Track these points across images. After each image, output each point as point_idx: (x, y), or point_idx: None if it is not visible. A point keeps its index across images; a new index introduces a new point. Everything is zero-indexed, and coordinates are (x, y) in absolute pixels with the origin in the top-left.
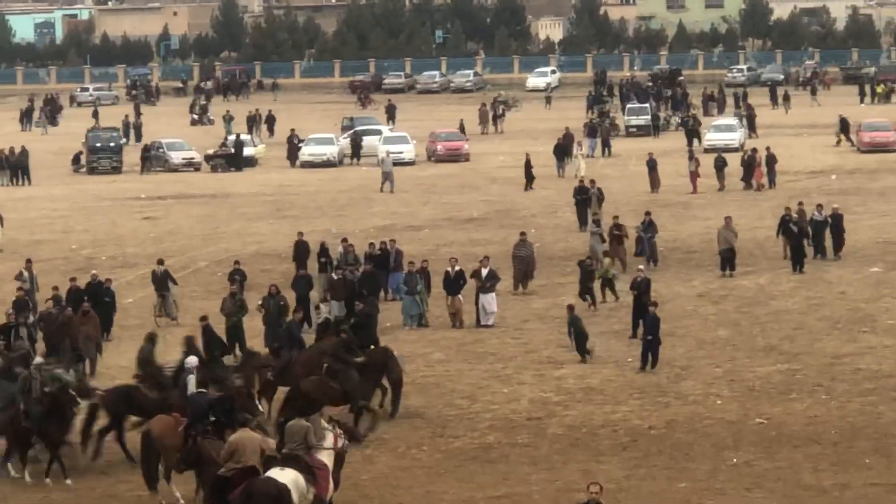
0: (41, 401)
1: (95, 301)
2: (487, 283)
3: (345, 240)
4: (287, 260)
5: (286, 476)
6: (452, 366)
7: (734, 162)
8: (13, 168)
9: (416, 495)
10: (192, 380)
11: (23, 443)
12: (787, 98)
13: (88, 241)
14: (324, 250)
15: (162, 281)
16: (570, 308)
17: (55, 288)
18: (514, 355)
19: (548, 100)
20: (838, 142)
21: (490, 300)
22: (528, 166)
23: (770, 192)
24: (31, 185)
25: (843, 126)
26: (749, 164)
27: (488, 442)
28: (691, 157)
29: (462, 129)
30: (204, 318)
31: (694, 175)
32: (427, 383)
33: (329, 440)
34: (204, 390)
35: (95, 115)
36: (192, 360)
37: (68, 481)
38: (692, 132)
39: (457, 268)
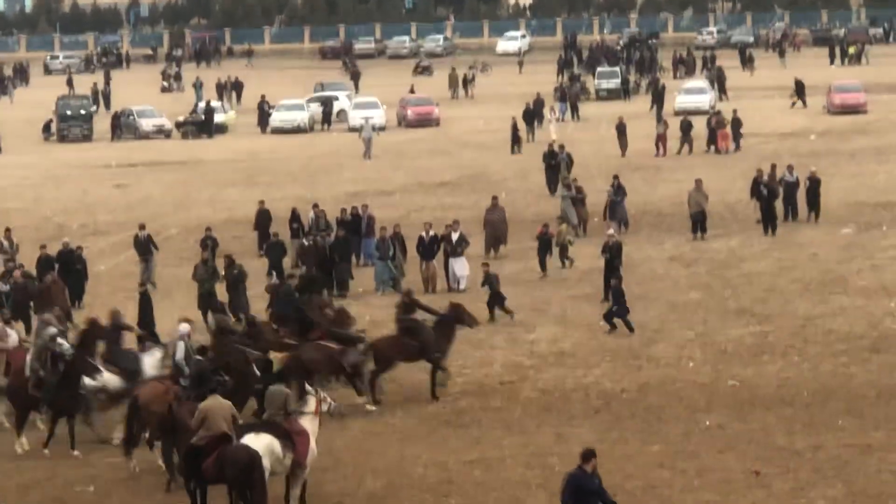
0: (53, 371)
1: (67, 269)
2: (458, 248)
3: (316, 205)
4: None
5: (260, 441)
6: None
7: (700, 124)
8: None
9: (389, 460)
10: (181, 346)
11: (26, 410)
12: (751, 59)
13: (59, 209)
14: (295, 216)
15: (145, 246)
16: (484, 266)
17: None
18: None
19: (520, 64)
20: (793, 104)
21: (461, 264)
22: (514, 129)
23: (739, 155)
24: (1, 153)
25: (799, 88)
26: (714, 128)
27: (461, 406)
28: (659, 120)
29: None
30: (142, 285)
31: (661, 138)
32: None
33: (311, 405)
34: (200, 357)
35: (70, 83)
36: (185, 328)
37: (76, 452)
38: (658, 95)
39: (431, 232)
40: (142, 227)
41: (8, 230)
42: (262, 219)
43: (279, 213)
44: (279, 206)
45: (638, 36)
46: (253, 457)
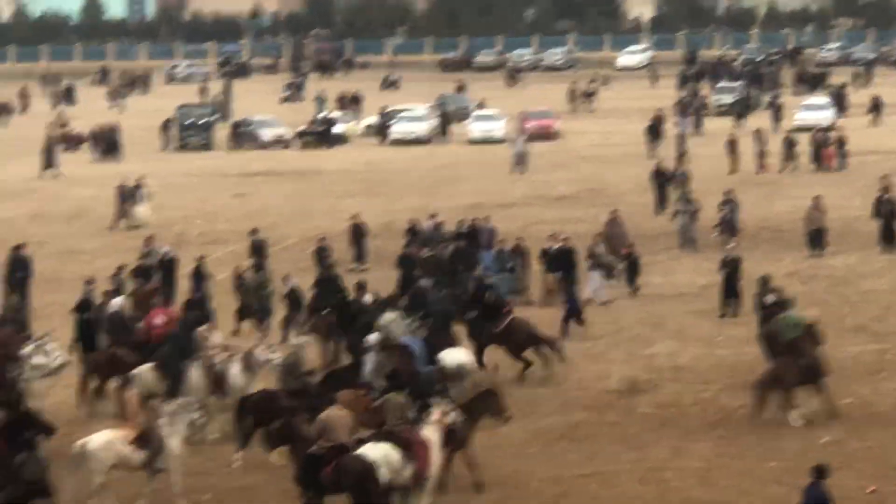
0: None
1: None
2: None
3: (433, 216)
4: (378, 237)
5: (376, 451)
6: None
7: (805, 141)
8: (104, 144)
9: (503, 473)
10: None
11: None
12: (866, 76)
13: (179, 218)
14: (413, 229)
15: (260, 250)
16: None
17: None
18: (604, 333)
19: (654, 78)
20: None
21: (595, 277)
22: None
23: (854, 172)
24: (121, 161)
25: None
26: (819, 145)
27: (577, 420)
28: (762, 136)
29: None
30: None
31: (762, 155)
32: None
33: (434, 415)
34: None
35: (203, 91)
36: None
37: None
38: (776, 111)
39: (556, 245)
40: (255, 231)
41: (150, 238)
42: (357, 232)
43: (399, 224)
44: (398, 218)
45: (782, 51)
46: (367, 466)
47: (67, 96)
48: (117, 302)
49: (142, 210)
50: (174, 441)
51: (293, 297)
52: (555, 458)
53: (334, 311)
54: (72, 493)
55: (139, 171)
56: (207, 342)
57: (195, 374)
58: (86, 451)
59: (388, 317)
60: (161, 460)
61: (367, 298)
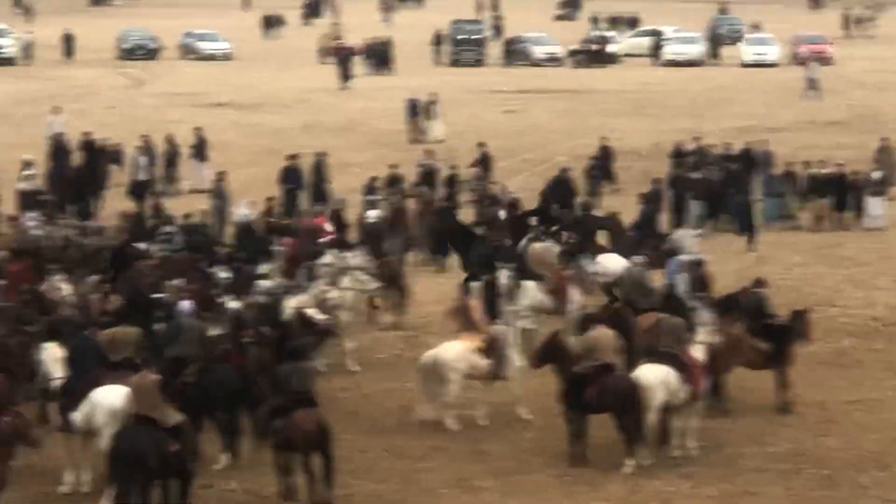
0: None
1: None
2: (876, 188)
3: (697, 138)
4: (646, 158)
5: (657, 373)
6: (810, 269)
7: None
8: (377, 57)
9: (767, 398)
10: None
11: None
12: None
13: (450, 133)
14: (678, 150)
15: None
16: None
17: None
18: (872, 260)
19: None
20: None
21: (876, 204)
22: None
23: None
24: (393, 74)
25: None
26: None
27: (843, 347)
28: None
29: None
30: None
31: None
32: (785, 286)
33: (705, 335)
34: None
35: (479, 7)
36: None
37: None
38: None
39: (825, 171)
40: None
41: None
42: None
43: (666, 146)
44: (665, 139)
45: None
46: (633, 386)
47: (314, 9)
48: (373, 214)
49: (436, 125)
50: (514, 351)
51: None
52: (820, 383)
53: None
54: (427, 401)
55: (414, 85)
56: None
57: (531, 287)
58: (440, 362)
59: (681, 232)
60: (504, 369)
61: None
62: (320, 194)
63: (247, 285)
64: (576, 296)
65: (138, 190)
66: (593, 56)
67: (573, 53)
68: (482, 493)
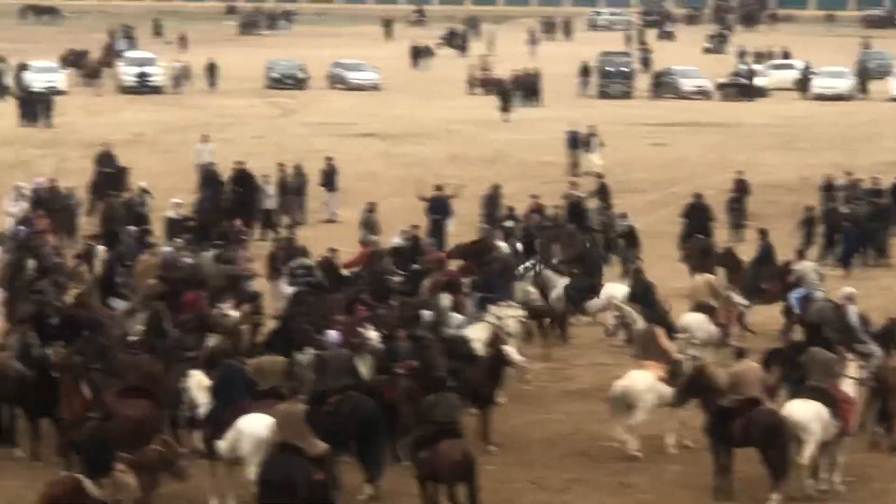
0: None
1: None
2: None
3: (849, 173)
4: (794, 192)
5: (808, 408)
6: None
7: None
8: (525, 89)
9: None
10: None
11: None
12: None
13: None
14: (828, 185)
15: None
16: None
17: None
18: None
19: None
20: None
21: None
22: None
23: None
24: (540, 106)
25: None
26: None
27: None
28: None
29: None
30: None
31: None
32: None
33: (852, 369)
34: None
35: (631, 39)
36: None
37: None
38: None
39: None
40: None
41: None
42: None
43: (814, 180)
44: (814, 173)
45: None
46: (779, 420)
47: (453, 40)
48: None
49: (595, 158)
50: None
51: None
52: None
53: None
54: (621, 432)
55: (563, 117)
56: None
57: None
58: (630, 393)
59: (805, 265)
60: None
61: None
62: (495, 222)
63: (413, 316)
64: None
65: (265, 219)
66: (742, 89)
67: (721, 86)
68: None
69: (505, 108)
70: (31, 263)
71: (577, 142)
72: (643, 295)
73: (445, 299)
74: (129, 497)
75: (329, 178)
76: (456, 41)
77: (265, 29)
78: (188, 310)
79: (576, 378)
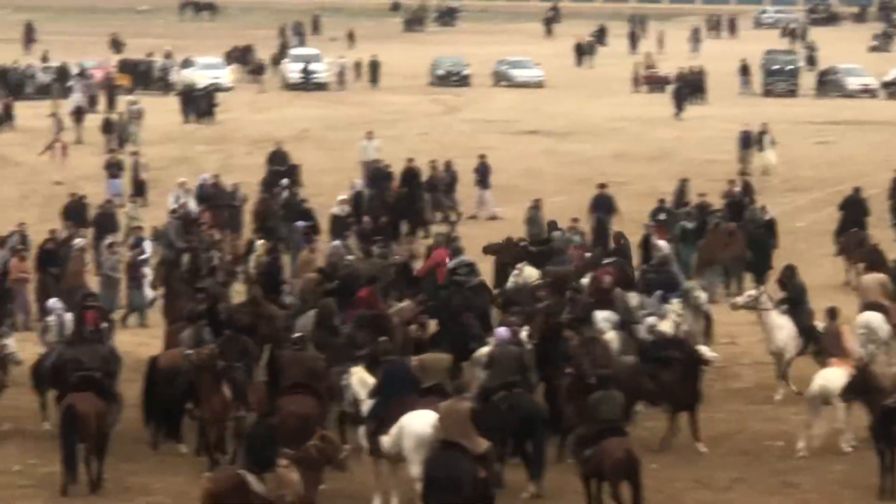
0: None
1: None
2: None
3: None
4: None
5: None
6: None
7: None
8: (690, 87)
9: None
10: None
11: None
12: None
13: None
14: None
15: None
16: None
17: None
18: None
19: None
20: None
21: None
22: None
23: None
24: (706, 104)
25: None
26: None
27: None
28: None
29: None
30: None
31: None
32: None
33: None
34: None
35: (793, 37)
36: None
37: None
38: None
39: None
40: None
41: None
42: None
43: None
44: None
45: None
46: None
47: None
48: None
49: (769, 156)
50: None
51: None
52: None
53: None
54: (818, 436)
55: (727, 115)
56: None
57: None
58: (826, 392)
59: None
60: None
61: None
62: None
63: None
64: None
65: (418, 216)
66: None
67: (887, 85)
68: None
69: (678, 105)
70: (185, 259)
71: (750, 141)
72: (796, 294)
73: (633, 298)
74: (293, 493)
75: (482, 176)
76: (603, 39)
77: (435, 24)
78: (361, 306)
79: (739, 377)
